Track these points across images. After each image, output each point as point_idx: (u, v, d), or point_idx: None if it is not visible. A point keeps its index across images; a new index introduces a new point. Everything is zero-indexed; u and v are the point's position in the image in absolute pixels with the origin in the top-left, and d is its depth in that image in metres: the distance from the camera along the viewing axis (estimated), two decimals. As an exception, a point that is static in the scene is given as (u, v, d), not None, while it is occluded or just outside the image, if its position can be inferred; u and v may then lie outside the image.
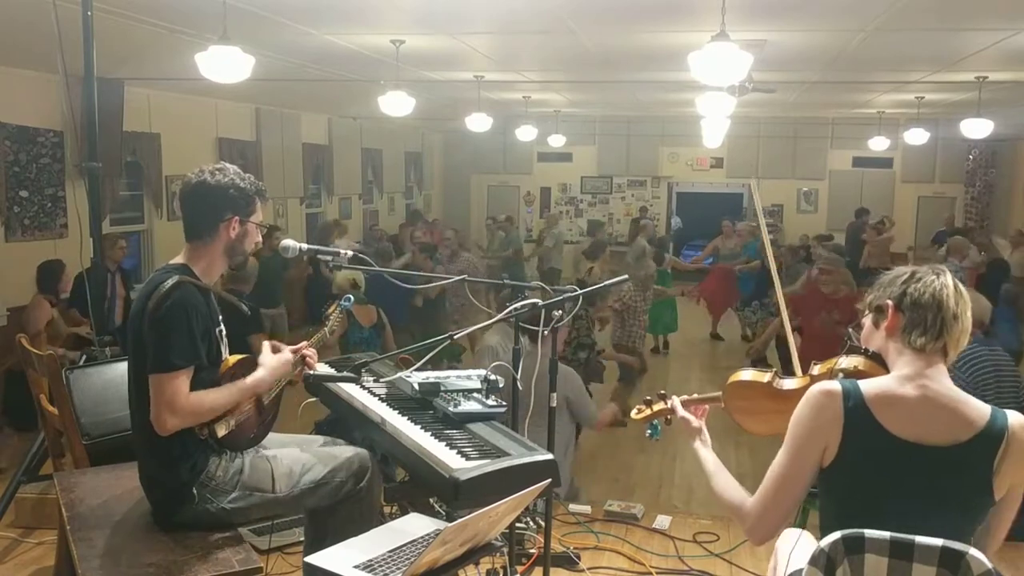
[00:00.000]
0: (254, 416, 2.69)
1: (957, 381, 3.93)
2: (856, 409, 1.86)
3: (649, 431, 2.51)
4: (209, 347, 2.56)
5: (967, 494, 1.84)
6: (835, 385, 1.90)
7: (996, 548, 1.96)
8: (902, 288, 1.93)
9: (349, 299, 3.03)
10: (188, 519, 2.56)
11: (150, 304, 2.48)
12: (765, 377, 2.31)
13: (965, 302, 1.91)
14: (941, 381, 1.88)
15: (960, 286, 1.92)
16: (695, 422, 2.35)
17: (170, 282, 2.49)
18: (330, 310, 3.03)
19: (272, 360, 2.69)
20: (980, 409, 1.86)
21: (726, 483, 2.12)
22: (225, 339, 2.71)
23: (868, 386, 1.89)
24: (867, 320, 2.01)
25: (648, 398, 2.53)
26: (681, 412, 2.39)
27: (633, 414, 2.54)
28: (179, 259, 2.65)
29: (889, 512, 1.81)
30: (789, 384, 2.27)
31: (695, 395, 2.46)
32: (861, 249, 12.26)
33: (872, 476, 1.86)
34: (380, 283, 6.59)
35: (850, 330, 2.08)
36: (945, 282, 1.90)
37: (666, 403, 2.46)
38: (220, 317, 2.70)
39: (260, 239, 2.76)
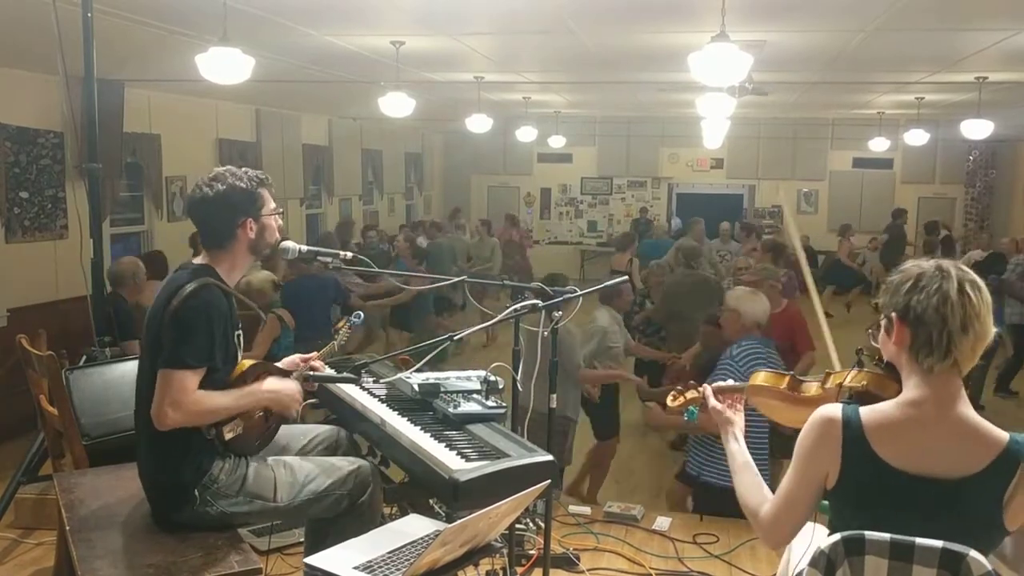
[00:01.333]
0: (261, 422, 2.69)
1: (733, 374, 4.04)
2: (855, 440, 1.80)
3: (687, 415, 2.50)
4: (226, 349, 2.57)
5: (974, 528, 1.77)
6: (836, 412, 1.84)
7: None
8: (906, 299, 1.80)
9: (359, 315, 3.04)
10: (187, 520, 2.56)
11: (174, 303, 2.48)
12: (783, 383, 2.29)
13: (975, 306, 1.76)
14: (952, 404, 1.78)
15: (967, 286, 1.77)
16: (727, 412, 2.26)
17: (195, 283, 2.50)
18: (339, 324, 3.05)
19: (282, 384, 2.70)
20: (994, 438, 1.76)
21: (749, 483, 2.05)
22: (242, 342, 2.72)
23: (869, 415, 1.82)
24: (881, 326, 1.90)
25: (680, 387, 2.51)
26: (712, 402, 2.31)
27: (668, 400, 2.52)
28: (200, 260, 2.66)
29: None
30: (805, 392, 2.24)
31: (727, 383, 2.41)
32: (900, 250, 12.30)
33: (872, 508, 1.82)
34: (299, 287, 6.52)
35: (869, 332, 1.98)
36: (948, 290, 1.75)
37: (698, 392, 2.43)
38: (238, 320, 2.71)
39: (281, 223, 2.76)
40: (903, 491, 1.78)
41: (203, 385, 2.49)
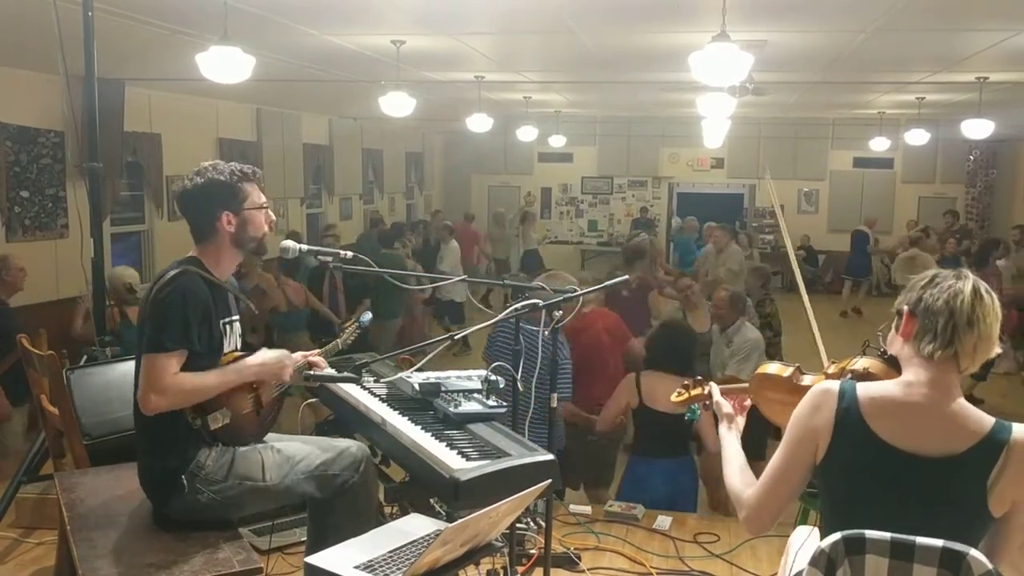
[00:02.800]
0: (252, 415, 2.69)
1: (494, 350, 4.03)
2: (848, 412, 1.85)
3: (688, 414, 2.57)
4: (209, 336, 2.58)
5: (959, 508, 1.80)
6: (833, 385, 1.90)
7: (1003, 565, 1.89)
8: (920, 293, 1.87)
9: (368, 315, 3.05)
10: (180, 509, 2.57)
11: (152, 290, 2.55)
12: (787, 372, 2.36)
13: (986, 308, 1.82)
14: (947, 392, 1.82)
15: (982, 291, 1.84)
16: (727, 407, 2.36)
17: (174, 271, 2.56)
18: (347, 324, 3.05)
19: (267, 354, 2.71)
20: (982, 422, 1.81)
21: (737, 469, 2.12)
22: (234, 331, 2.73)
23: (865, 390, 1.87)
24: (893, 324, 1.96)
25: (686, 383, 2.58)
26: (717, 397, 2.41)
27: (673, 397, 2.60)
28: (191, 253, 2.70)
29: (878, 519, 1.79)
30: (808, 380, 2.32)
31: (728, 384, 2.50)
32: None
33: (860, 480, 1.85)
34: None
35: (879, 332, 2.07)
36: (962, 288, 1.82)
37: (704, 388, 2.50)
38: (232, 310, 2.72)
39: (272, 218, 2.77)
40: (892, 466, 1.81)
41: (186, 371, 2.50)
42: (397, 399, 3.08)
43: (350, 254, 2.97)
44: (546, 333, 3.08)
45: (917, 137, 11.02)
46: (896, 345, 1.94)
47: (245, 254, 2.79)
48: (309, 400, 3.24)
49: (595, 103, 12.28)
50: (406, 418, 2.88)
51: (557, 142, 13.23)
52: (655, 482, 4.30)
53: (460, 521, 2.08)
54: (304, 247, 2.92)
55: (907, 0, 4.78)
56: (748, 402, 2.43)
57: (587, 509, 4.19)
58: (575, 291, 3.31)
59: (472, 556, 2.28)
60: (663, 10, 5.20)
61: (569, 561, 3.59)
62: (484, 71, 7.96)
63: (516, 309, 2.97)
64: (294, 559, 3.49)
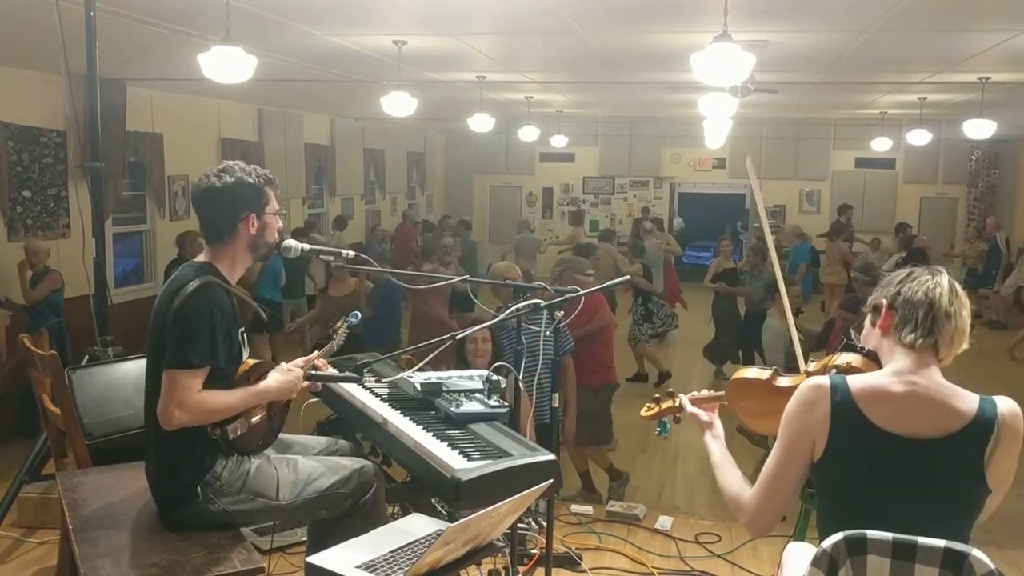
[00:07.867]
0: (265, 422, 2.69)
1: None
2: (843, 404, 1.87)
3: (658, 428, 2.52)
4: (230, 347, 2.57)
5: (960, 485, 1.85)
6: (824, 380, 1.92)
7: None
8: (897, 288, 1.95)
9: (356, 315, 3.05)
10: (190, 517, 2.56)
11: (176, 302, 2.48)
12: (765, 375, 2.34)
13: (961, 302, 1.91)
14: (931, 377, 1.88)
15: (956, 287, 1.93)
16: (704, 416, 2.35)
17: (198, 282, 2.50)
18: (337, 324, 3.04)
19: (281, 376, 2.68)
20: (969, 400, 1.87)
21: (729, 475, 2.13)
22: (246, 339, 2.72)
23: (856, 381, 1.91)
24: (867, 320, 2.03)
25: (657, 396, 2.54)
26: (690, 408, 2.39)
27: (643, 412, 2.55)
28: (202, 257, 2.66)
29: (881, 506, 1.82)
30: (786, 381, 2.30)
31: (703, 393, 2.47)
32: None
33: (862, 470, 1.87)
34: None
35: (852, 330, 2.10)
36: (939, 282, 1.91)
37: (674, 401, 2.47)
38: (241, 316, 2.71)
39: (281, 225, 2.75)
40: (892, 451, 1.84)
41: (208, 383, 2.49)
42: (399, 399, 3.08)
43: (352, 253, 2.97)
44: (547, 333, 3.08)
45: (919, 137, 11.01)
46: (873, 339, 2.01)
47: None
48: (310, 400, 3.24)
49: (597, 103, 12.28)
50: (408, 418, 2.88)
51: (559, 142, 13.23)
52: None
53: (462, 521, 2.09)
54: (306, 246, 2.92)
55: (909, 0, 4.78)
56: (717, 405, 2.40)
57: (588, 509, 4.20)
58: (577, 291, 3.31)
59: (474, 556, 2.28)
60: (665, 10, 5.20)
61: (570, 561, 3.59)
62: (486, 71, 7.97)
63: (517, 309, 2.97)
64: (296, 559, 3.50)
